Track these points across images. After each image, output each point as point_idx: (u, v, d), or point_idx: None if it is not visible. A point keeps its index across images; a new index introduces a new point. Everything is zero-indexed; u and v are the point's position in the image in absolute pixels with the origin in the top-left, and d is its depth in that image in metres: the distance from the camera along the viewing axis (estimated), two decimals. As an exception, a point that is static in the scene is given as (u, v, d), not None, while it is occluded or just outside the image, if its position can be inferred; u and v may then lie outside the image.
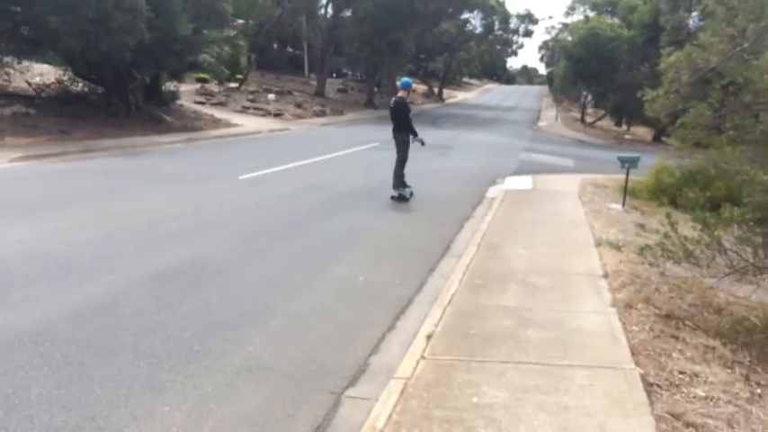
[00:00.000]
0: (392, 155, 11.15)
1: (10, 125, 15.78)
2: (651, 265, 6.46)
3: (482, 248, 7.38)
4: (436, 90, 65.40)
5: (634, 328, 4.91)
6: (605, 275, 6.22)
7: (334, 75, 62.53)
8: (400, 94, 11.25)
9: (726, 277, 5.51)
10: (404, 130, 11.01)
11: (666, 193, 12.27)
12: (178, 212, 8.70)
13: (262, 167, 13.48)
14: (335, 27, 43.03)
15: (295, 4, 37.20)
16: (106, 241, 7.03)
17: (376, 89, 47.63)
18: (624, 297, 5.58)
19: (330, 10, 42.85)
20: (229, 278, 6.07)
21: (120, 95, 20.28)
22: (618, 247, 7.34)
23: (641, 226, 9.21)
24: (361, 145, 20.56)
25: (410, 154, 11.14)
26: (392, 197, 10.95)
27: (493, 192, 12.72)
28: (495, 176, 15.01)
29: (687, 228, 5.54)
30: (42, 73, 23.03)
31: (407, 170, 11.12)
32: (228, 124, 24.00)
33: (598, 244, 7.53)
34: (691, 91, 7.33)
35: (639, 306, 5.38)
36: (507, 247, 7.43)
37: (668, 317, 5.23)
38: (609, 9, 39.01)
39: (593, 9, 45.72)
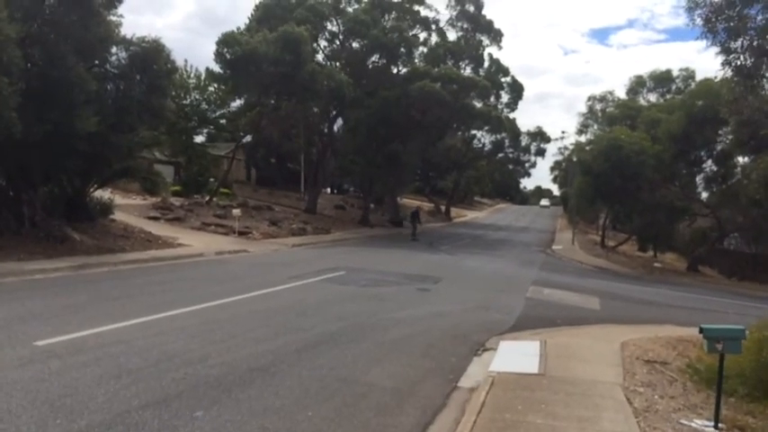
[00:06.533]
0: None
1: None
2: None
3: None
4: (444, 208, 61.49)
5: None
6: None
7: (335, 191, 59.20)
8: None
9: None
10: None
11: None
12: None
13: (110, 320, 8.49)
14: (332, 139, 39.61)
15: (280, 114, 33.87)
16: None
17: (372, 205, 43.50)
18: None
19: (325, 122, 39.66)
20: None
21: (13, 207, 15.88)
22: None
23: None
24: (319, 275, 15.65)
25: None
26: None
27: (472, 375, 7.45)
28: (486, 333, 9.87)
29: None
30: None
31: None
32: (167, 244, 19.35)
33: None
34: None
35: None
36: None
37: None
38: (628, 123, 35.20)
39: (609, 125, 42.18)
